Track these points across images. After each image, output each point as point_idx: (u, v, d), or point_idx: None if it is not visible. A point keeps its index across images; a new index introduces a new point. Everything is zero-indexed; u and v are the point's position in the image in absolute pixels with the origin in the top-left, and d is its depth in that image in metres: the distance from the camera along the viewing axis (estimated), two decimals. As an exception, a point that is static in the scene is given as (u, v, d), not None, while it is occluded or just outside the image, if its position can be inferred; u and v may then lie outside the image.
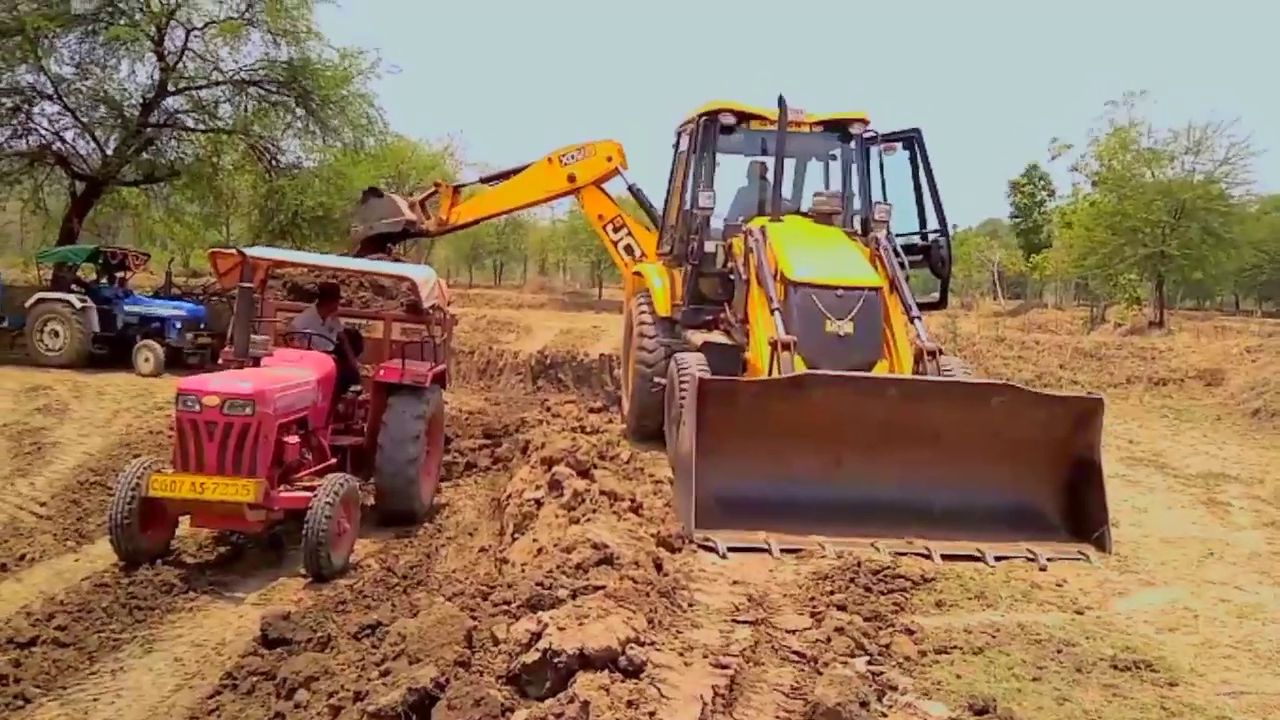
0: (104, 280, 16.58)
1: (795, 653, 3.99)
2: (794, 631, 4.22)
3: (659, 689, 3.39)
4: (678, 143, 10.07)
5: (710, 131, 8.91)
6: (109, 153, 20.54)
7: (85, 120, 20.28)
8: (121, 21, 18.89)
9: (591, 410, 10.89)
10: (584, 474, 6.95)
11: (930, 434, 6.25)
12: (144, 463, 6.87)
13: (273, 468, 6.79)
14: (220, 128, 20.85)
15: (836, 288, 7.36)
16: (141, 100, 20.39)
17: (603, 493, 6.32)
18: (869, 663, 3.94)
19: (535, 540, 6.09)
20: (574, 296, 38.03)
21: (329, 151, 22.30)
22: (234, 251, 8.29)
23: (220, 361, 7.53)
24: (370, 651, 4.88)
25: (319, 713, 4.12)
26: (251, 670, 5.11)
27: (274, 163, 22.06)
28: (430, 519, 8.61)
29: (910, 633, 4.37)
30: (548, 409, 11.08)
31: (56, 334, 15.22)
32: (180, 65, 19.89)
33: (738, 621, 4.25)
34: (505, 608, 4.07)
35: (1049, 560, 5.77)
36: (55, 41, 18.98)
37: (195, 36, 19.70)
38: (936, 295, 9.26)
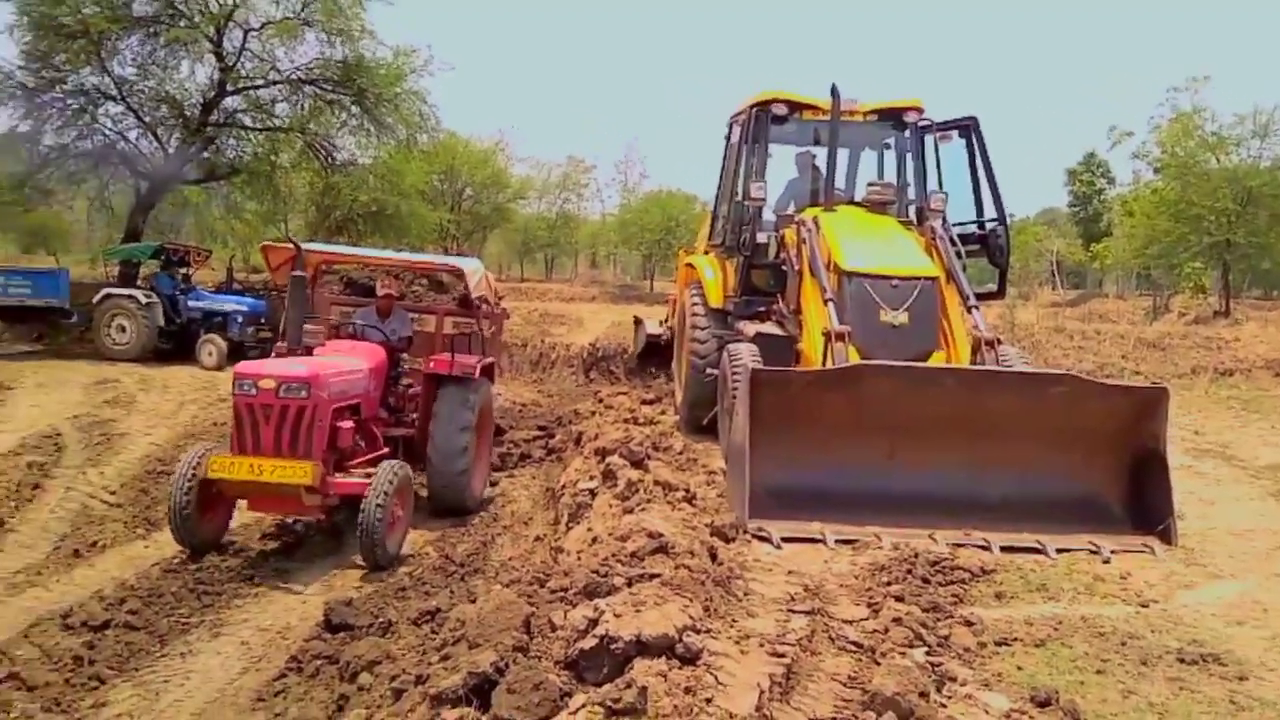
0: (168, 276, 17.02)
1: (852, 642, 3.97)
2: (851, 622, 4.20)
3: (716, 676, 3.40)
4: (729, 134, 10.04)
5: (762, 122, 8.87)
6: (171, 152, 21.08)
7: (148, 120, 20.85)
8: (181, 23, 19.38)
9: (644, 401, 10.92)
10: (638, 464, 6.98)
11: (988, 425, 6.16)
12: (202, 447, 7.01)
13: (328, 452, 6.88)
14: (277, 126, 21.28)
15: (891, 277, 7.29)
16: (201, 100, 20.90)
17: (657, 483, 6.35)
18: (928, 654, 3.91)
19: (590, 529, 6.14)
20: (625, 289, 38.07)
21: (383, 148, 22.66)
22: (286, 245, 8.43)
23: (274, 355, 7.61)
24: (430, 637, 4.98)
25: (381, 695, 4.22)
26: (315, 654, 5.24)
27: (329, 160, 22.46)
28: (486, 508, 8.72)
29: (970, 624, 4.32)
30: (600, 400, 11.15)
31: (123, 328, 15.68)
32: (238, 65, 20.34)
33: (794, 611, 4.24)
34: (562, 595, 4.11)
35: (1112, 553, 5.66)
36: (118, 44, 19.55)
37: (253, 37, 20.14)
38: (994, 285, 9.11)
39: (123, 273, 18.44)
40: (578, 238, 48.58)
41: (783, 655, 3.67)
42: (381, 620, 5.50)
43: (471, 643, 3.89)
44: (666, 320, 13.30)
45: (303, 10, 20.06)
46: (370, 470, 7.10)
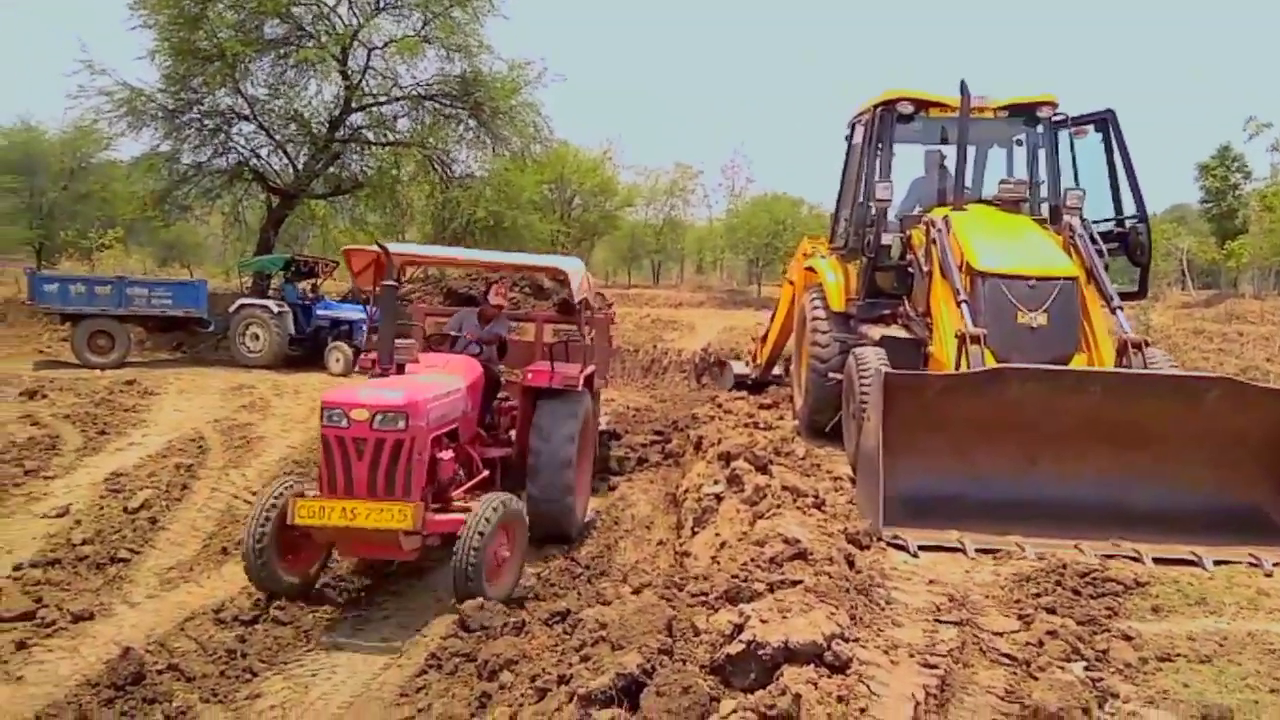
0: (293, 286, 17.75)
1: (1005, 655, 3.83)
2: (1001, 634, 4.05)
3: (868, 686, 3.33)
4: (850, 134, 9.87)
5: (887, 121, 8.69)
6: (299, 168, 22.03)
7: (278, 138, 21.83)
8: (309, 44, 20.24)
9: (762, 406, 10.83)
10: (763, 469, 6.92)
11: (1135, 431, 5.87)
12: (279, 485, 6.22)
13: (428, 488, 6.16)
14: (398, 141, 21.98)
15: (1028, 277, 7.03)
16: (328, 118, 21.78)
17: (784, 488, 6.27)
18: (1086, 668, 3.74)
19: (717, 534, 6.11)
20: (731, 294, 37.89)
21: (498, 160, 23.16)
22: (370, 249, 7.86)
23: (358, 368, 7.28)
24: (564, 637, 5.03)
25: (523, 694, 4.27)
26: (454, 652, 5.35)
27: (447, 173, 23.08)
28: (606, 512, 8.78)
29: (1128, 638, 4.11)
30: (718, 405, 11.10)
31: (257, 336, 16.44)
32: (362, 83, 21.12)
33: (941, 621, 4.12)
34: (703, 599, 4.10)
35: (1275, 565, 5.31)
36: (250, 66, 20.52)
37: (376, 55, 20.89)
38: (1132, 285, 8.69)
39: (255, 284, 19.33)
40: (684, 243, 48.61)
41: (935, 666, 3.57)
42: (515, 621, 5.59)
43: (614, 644, 3.91)
44: (755, 357, 13.15)
45: (423, 28, 20.71)
46: (471, 503, 6.31)
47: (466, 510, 6.16)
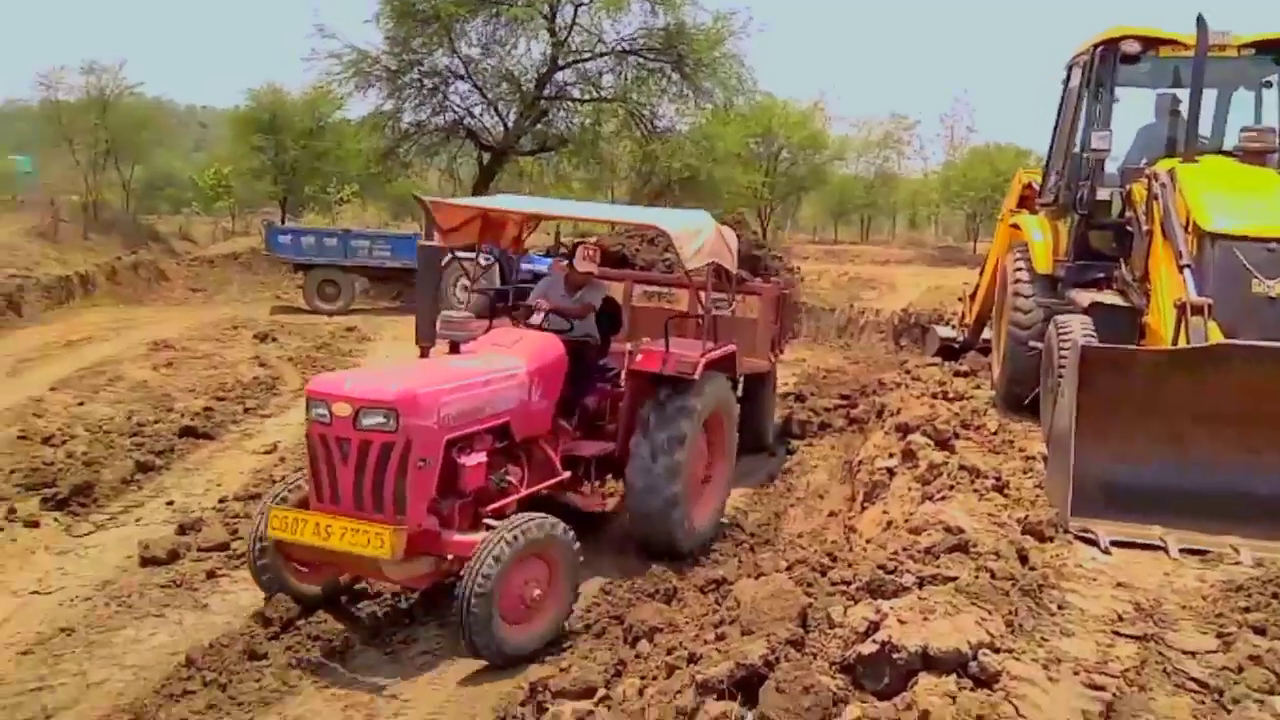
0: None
1: (1194, 680, 3.31)
2: (1193, 654, 3.51)
3: (1015, 706, 2.96)
4: (1068, 78, 8.91)
5: (1108, 62, 7.75)
6: (509, 125, 22.79)
7: (490, 96, 22.68)
8: (519, 2, 20.72)
9: (957, 374, 10.14)
10: (943, 444, 6.44)
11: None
12: (287, 485, 5.28)
13: (441, 501, 5.09)
14: (603, 97, 22.24)
15: (1269, 240, 6.08)
16: (536, 75, 22.35)
17: (962, 467, 5.79)
18: (1294, 706, 3.18)
19: (885, 512, 5.75)
20: (945, 251, 36.02)
21: (700, 114, 23.00)
22: (457, 202, 6.85)
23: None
24: (714, 608, 4.89)
25: (657, 667, 4.17)
26: (605, 613, 5.34)
27: (650, 128, 23.15)
28: (781, 478, 8.53)
29: (1357, 673, 3.47)
30: (907, 371, 10.51)
31: (466, 288, 17.20)
32: (569, 40, 21.47)
33: (1120, 634, 3.63)
34: (844, 588, 3.82)
35: None
36: (465, 26, 21.32)
37: (582, 11, 21.19)
38: None
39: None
40: (896, 198, 46.61)
41: (1102, 688, 3.13)
42: (667, 587, 5.50)
43: (744, 628, 3.72)
44: (963, 319, 12.24)
45: (629, -20, 20.76)
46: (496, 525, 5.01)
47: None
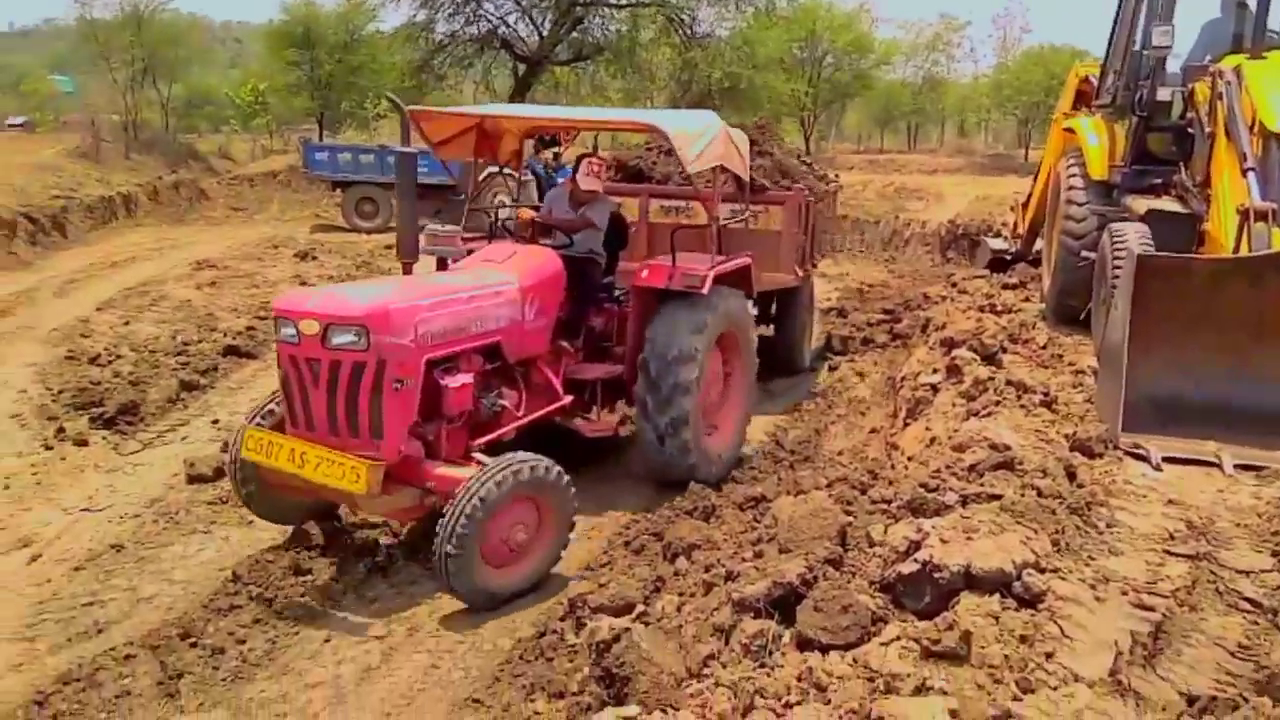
0: (540, 156, 18.10)
1: (1247, 600, 3.22)
2: (1247, 573, 3.41)
3: (1060, 626, 2.89)
4: (1130, -31, 8.40)
5: (1174, -52, 7.27)
6: (544, 34, 22.24)
7: (524, 4, 22.07)
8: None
9: (1005, 286, 9.87)
10: (989, 359, 6.28)
11: None
12: (273, 399, 4.91)
13: (425, 426, 4.78)
14: (640, 1, 21.57)
15: (1342, 141, 5.74)
16: (571, -20, 21.70)
17: (1009, 382, 5.63)
18: (1353, 626, 3.07)
19: (928, 429, 5.63)
20: (995, 159, 34.94)
21: (741, 18, 22.28)
22: (447, 111, 6.42)
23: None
24: (752, 525, 4.85)
25: (695, 584, 4.15)
26: (643, 529, 5.34)
27: (689, 33, 22.49)
28: (821, 394, 8.42)
29: None
30: (954, 284, 10.25)
31: (503, 204, 17.05)
32: (604, -60, 20.75)
33: (1171, 553, 3.52)
34: (884, 506, 3.74)
35: None
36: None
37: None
38: None
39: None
40: (945, 104, 45.11)
41: (1151, 608, 3.05)
42: (706, 504, 5.47)
43: (782, 546, 3.67)
44: (1015, 229, 11.82)
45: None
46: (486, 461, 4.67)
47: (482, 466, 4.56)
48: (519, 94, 22.79)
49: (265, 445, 4.51)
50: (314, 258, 14.50)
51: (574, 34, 22.49)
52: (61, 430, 6.69)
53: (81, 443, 6.58)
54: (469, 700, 3.86)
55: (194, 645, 4.20)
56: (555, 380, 5.77)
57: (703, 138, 5.89)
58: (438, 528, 4.31)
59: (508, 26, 22.84)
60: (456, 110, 6.60)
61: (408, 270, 5.24)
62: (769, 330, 9.02)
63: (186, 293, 11.35)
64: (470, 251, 6.08)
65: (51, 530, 5.35)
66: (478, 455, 4.86)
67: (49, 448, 6.52)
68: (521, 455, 4.59)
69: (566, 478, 4.72)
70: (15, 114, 38.40)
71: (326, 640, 4.27)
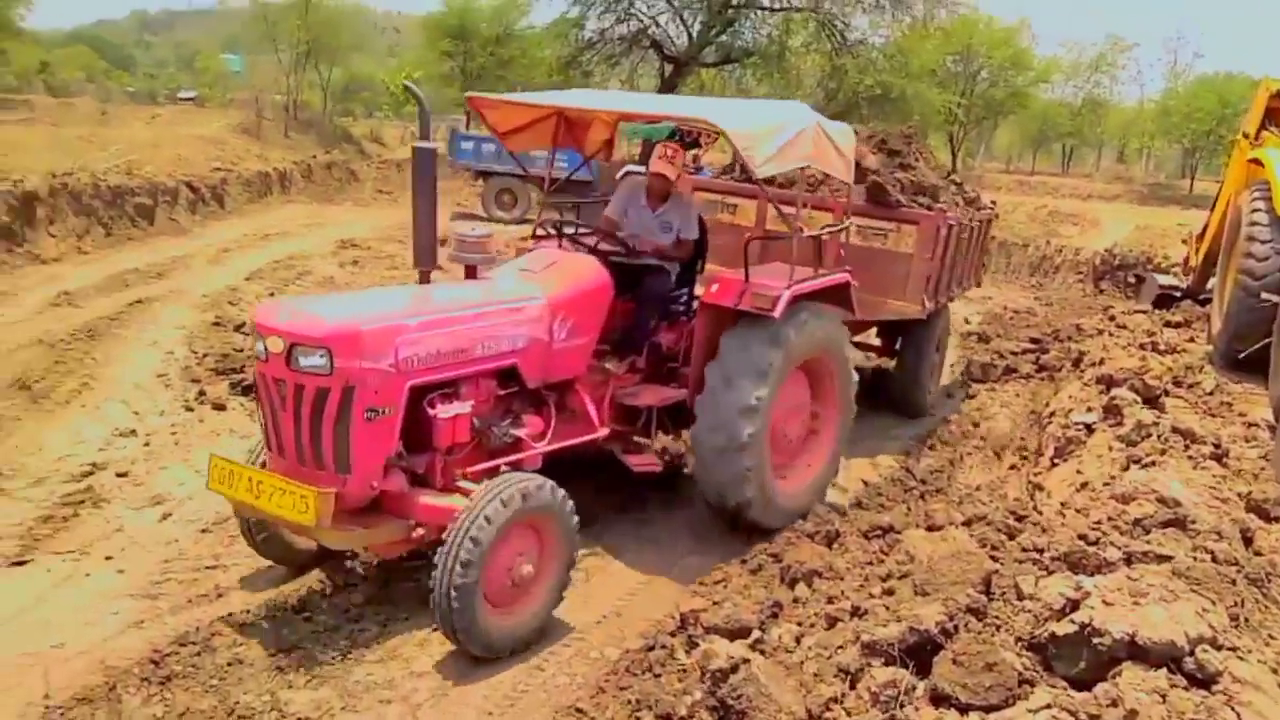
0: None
1: None
2: None
3: (1238, 713, 2.55)
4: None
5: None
6: (693, 35, 22.16)
7: (676, 4, 22.04)
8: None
9: (1168, 324, 9.20)
10: (1152, 402, 5.81)
11: None
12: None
13: (412, 458, 4.26)
14: (794, 6, 21.25)
15: None
16: (725, -17, 21.55)
17: (1175, 430, 5.17)
18: None
19: (1080, 473, 5.23)
20: (1156, 189, 33.00)
21: (897, 27, 21.68)
22: (506, 98, 5.84)
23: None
24: (879, 557, 4.57)
25: (815, 614, 3.92)
26: (759, 548, 5.12)
27: (841, 40, 22.02)
28: (957, 422, 7.99)
29: None
30: (1111, 318, 9.61)
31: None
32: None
33: (1368, 640, 3.11)
34: (1035, 555, 3.42)
35: None
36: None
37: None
38: None
39: (644, 151, 19.97)
40: (1105, 127, 42.95)
41: (1346, 704, 2.67)
42: (828, 529, 5.21)
43: (918, 589, 3.41)
44: (1186, 264, 11.00)
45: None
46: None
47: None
48: (665, 93, 22.78)
49: (227, 475, 4.01)
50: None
51: (724, 36, 22.32)
52: (202, 393, 6.93)
53: (220, 407, 6.80)
54: (572, 708, 3.74)
55: (308, 620, 4.23)
56: (592, 407, 5.12)
57: (778, 135, 4.96)
58: (435, 559, 3.83)
59: (658, 26, 22.87)
60: (519, 98, 6.05)
61: (425, 279, 4.65)
62: (891, 363, 8.46)
63: (330, 269, 11.73)
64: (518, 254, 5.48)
65: (184, 490, 5.52)
66: (461, 485, 4.30)
67: (189, 409, 6.76)
68: (511, 477, 4.08)
69: (562, 493, 4.18)
70: (188, 88, 40.91)
71: (435, 629, 4.23)
